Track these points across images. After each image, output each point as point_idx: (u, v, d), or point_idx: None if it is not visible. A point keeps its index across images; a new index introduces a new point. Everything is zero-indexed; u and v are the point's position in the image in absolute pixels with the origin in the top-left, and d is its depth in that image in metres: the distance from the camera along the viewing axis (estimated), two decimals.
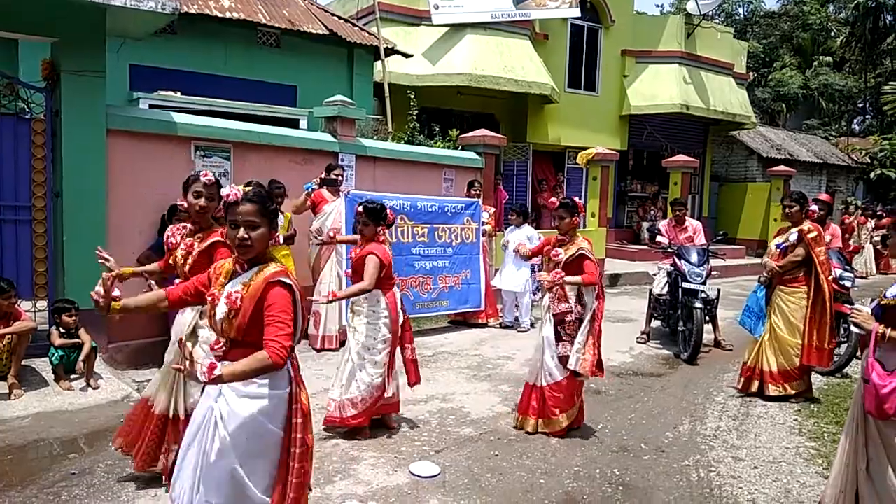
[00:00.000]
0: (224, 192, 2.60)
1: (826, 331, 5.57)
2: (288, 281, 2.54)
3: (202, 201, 3.65)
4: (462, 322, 8.62)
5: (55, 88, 5.66)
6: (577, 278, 4.64)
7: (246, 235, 2.55)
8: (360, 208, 4.73)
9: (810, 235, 5.63)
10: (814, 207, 5.86)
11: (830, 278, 5.71)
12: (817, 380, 6.17)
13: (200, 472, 2.52)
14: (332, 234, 6.10)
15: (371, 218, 4.68)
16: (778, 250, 5.84)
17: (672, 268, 7.68)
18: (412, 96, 10.89)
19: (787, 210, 5.82)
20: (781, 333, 5.76)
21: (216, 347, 2.57)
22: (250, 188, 2.64)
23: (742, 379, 5.99)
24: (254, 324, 2.49)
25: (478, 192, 8.76)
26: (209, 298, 2.60)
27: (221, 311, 2.54)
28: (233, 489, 2.48)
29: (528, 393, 4.89)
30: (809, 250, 5.63)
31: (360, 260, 4.61)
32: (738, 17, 32.68)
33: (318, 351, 7.01)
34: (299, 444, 2.53)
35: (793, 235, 5.73)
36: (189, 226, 3.80)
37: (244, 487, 2.47)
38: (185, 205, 3.73)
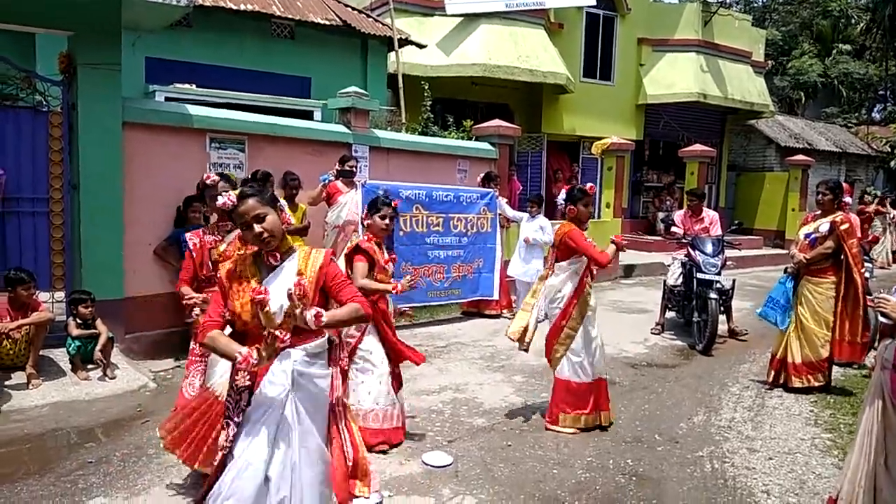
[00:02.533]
0: (220, 202, 2.69)
1: (859, 324, 5.44)
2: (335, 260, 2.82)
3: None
4: (475, 312, 8.62)
5: (72, 82, 5.71)
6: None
7: (261, 229, 2.59)
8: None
9: (843, 227, 5.48)
10: (846, 200, 5.74)
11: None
12: (834, 370, 6.10)
13: (287, 453, 2.62)
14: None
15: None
16: (807, 240, 5.72)
17: (687, 258, 7.63)
18: (426, 87, 10.87)
19: (819, 197, 5.71)
20: (808, 324, 5.66)
21: (284, 338, 2.53)
22: (241, 184, 2.73)
23: (772, 372, 5.89)
24: (319, 305, 2.68)
25: (496, 185, 8.71)
26: (259, 298, 2.51)
27: (279, 304, 2.58)
28: (320, 456, 2.74)
29: (589, 390, 4.73)
30: (841, 242, 5.49)
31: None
32: (756, 5, 32.25)
33: None
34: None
35: (824, 226, 5.59)
36: (207, 230, 3.86)
37: (325, 452, 2.80)
38: (204, 210, 3.78)
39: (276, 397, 2.61)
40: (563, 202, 4.85)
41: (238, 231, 3.85)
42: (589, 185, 4.92)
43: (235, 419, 2.64)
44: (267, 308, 2.52)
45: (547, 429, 4.72)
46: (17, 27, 5.78)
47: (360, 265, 4.22)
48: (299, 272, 2.67)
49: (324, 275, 2.71)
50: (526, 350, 4.91)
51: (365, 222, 4.46)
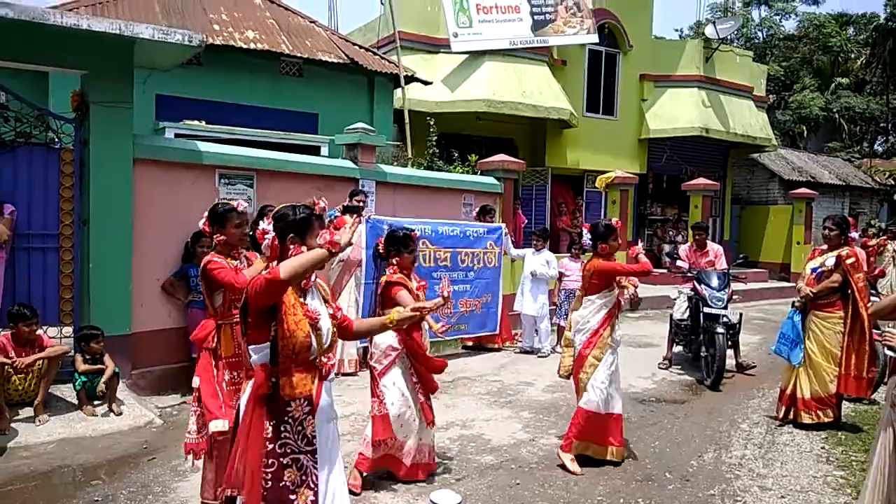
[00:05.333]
0: (321, 205, 2.81)
1: (864, 359, 5.40)
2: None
3: (245, 228, 3.88)
4: (478, 346, 8.60)
5: (84, 119, 5.81)
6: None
7: None
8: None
9: (849, 261, 5.49)
10: (853, 235, 5.76)
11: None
12: (844, 406, 6.04)
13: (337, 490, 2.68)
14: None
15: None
16: (813, 274, 5.72)
17: (692, 292, 7.62)
18: (431, 122, 10.99)
19: (826, 232, 5.73)
20: (816, 359, 5.62)
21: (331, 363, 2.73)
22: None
23: (783, 407, 5.84)
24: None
25: (492, 217, 8.78)
26: (317, 317, 2.59)
27: (328, 324, 2.67)
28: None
29: (605, 423, 4.73)
30: (848, 276, 5.50)
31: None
32: (757, 41, 32.67)
33: (336, 375, 7.02)
34: None
35: (830, 260, 5.60)
36: (222, 254, 3.86)
37: None
38: (223, 237, 3.76)
39: (330, 424, 2.70)
40: (589, 241, 4.85)
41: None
42: (615, 220, 4.95)
43: (304, 449, 2.59)
44: (318, 328, 2.60)
45: (558, 455, 4.68)
46: (33, 66, 5.91)
47: (403, 293, 4.19)
48: (325, 299, 2.76)
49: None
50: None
51: (393, 259, 4.42)
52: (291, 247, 2.59)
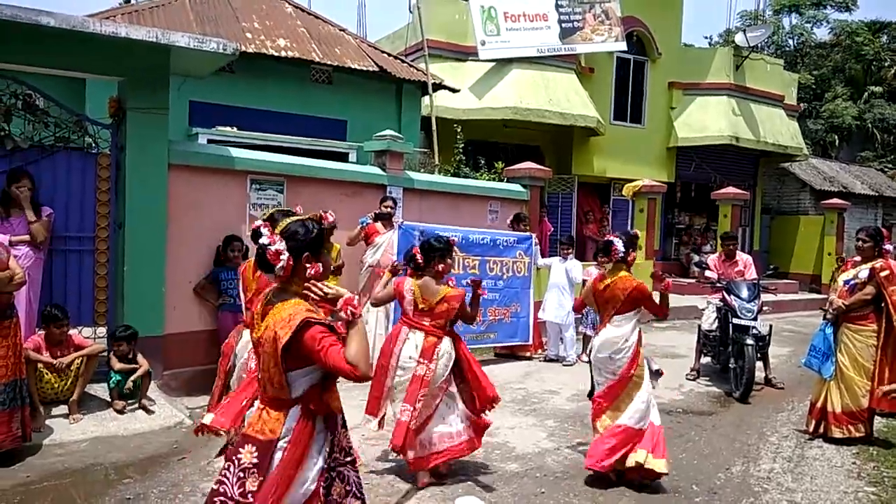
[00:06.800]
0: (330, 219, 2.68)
1: None
2: None
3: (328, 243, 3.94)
4: (508, 354, 8.60)
5: (121, 125, 5.94)
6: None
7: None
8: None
9: (883, 274, 5.40)
10: (887, 247, 5.65)
11: None
12: (877, 422, 5.93)
13: None
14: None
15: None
16: (846, 286, 5.64)
17: (721, 303, 7.54)
18: (458, 129, 11.04)
19: (859, 244, 5.65)
20: (848, 373, 5.53)
21: None
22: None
23: (813, 421, 5.75)
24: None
25: (526, 226, 8.78)
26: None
27: None
28: None
29: (636, 437, 4.56)
30: (882, 289, 5.41)
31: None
32: (788, 49, 32.23)
33: None
34: None
35: (863, 272, 5.51)
36: None
37: None
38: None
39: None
40: (623, 251, 4.71)
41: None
42: (633, 230, 4.95)
43: (345, 461, 2.64)
44: None
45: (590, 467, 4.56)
46: (72, 73, 6.07)
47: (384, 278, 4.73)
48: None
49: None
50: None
51: (437, 267, 4.54)
52: (307, 265, 2.52)
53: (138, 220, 5.93)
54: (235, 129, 9.14)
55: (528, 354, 8.61)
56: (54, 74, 6.03)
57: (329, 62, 10.32)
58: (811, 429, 5.74)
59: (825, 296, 5.74)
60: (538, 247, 8.94)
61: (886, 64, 29.97)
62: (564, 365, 8.28)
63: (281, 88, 10.27)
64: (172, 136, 6.52)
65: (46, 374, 5.20)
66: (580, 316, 8.63)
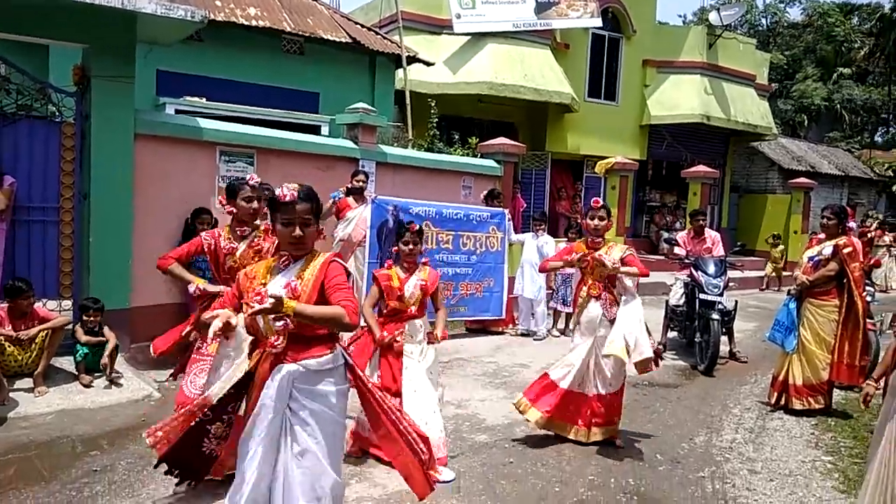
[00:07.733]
0: (278, 192, 2.66)
1: (858, 347, 5.50)
2: (343, 263, 2.76)
3: (255, 204, 3.95)
4: (479, 329, 8.66)
5: (85, 93, 5.80)
6: (634, 269, 4.67)
7: (301, 233, 2.66)
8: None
9: (846, 251, 5.54)
10: (851, 225, 5.78)
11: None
12: (835, 394, 6.11)
13: (287, 478, 2.64)
14: None
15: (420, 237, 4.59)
16: (810, 263, 5.77)
17: (689, 279, 7.66)
18: (432, 104, 10.98)
19: (824, 221, 5.77)
20: (810, 346, 5.69)
21: (276, 344, 2.61)
22: (302, 187, 2.68)
23: (775, 393, 5.91)
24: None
25: (500, 202, 8.79)
26: (256, 297, 2.45)
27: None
28: (317, 477, 2.67)
29: (577, 401, 4.78)
30: (844, 266, 5.55)
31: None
32: (760, 28, 32.50)
33: None
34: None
35: (827, 249, 5.64)
36: (231, 230, 3.96)
37: (333, 476, 2.71)
38: (233, 210, 3.93)
39: (270, 414, 2.62)
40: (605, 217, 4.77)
41: (254, 237, 3.98)
42: (594, 199, 4.96)
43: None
44: (256, 308, 2.43)
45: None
46: (34, 39, 5.88)
47: (373, 289, 4.47)
48: (299, 276, 2.67)
49: (323, 273, 2.66)
50: (657, 365, 4.76)
51: (395, 252, 4.52)
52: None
53: (104, 191, 5.82)
54: (204, 99, 8.97)
55: (500, 329, 8.66)
56: (16, 40, 5.83)
57: (301, 32, 10.16)
58: (773, 401, 5.90)
59: (790, 273, 5.90)
60: (511, 222, 8.96)
61: (856, 45, 30.39)
62: (535, 339, 8.37)
63: (251, 59, 10.09)
64: (139, 105, 6.39)
65: (9, 346, 5.10)
66: (551, 291, 8.72)
